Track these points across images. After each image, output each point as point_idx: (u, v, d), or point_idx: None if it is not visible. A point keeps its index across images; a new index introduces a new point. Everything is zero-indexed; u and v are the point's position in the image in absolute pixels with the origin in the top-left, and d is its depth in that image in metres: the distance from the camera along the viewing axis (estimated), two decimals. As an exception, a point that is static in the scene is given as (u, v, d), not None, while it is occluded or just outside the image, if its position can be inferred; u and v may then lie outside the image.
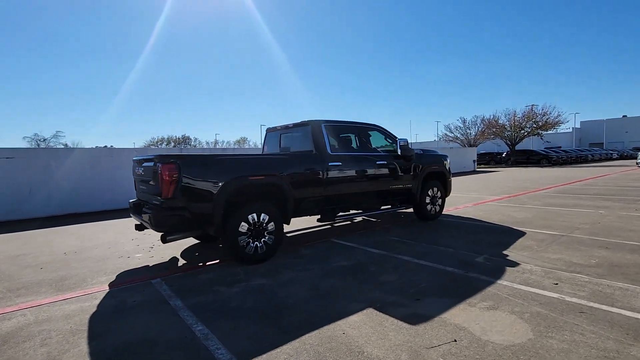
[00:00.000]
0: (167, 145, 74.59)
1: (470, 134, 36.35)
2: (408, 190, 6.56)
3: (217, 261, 4.80)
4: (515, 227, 6.10)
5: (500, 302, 3.15)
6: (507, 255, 4.51)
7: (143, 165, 4.63)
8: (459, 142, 37.06)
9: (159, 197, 4.15)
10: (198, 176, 4.18)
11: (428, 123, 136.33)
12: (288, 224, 5.06)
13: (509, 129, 33.36)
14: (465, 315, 2.92)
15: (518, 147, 33.83)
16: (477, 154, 36.93)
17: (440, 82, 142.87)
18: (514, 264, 4.16)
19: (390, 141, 6.47)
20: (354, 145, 6.09)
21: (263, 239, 4.63)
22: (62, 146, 53.19)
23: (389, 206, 6.58)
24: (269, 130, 6.58)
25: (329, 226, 6.94)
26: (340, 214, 6.11)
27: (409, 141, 6.57)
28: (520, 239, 5.30)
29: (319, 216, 5.61)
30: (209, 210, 4.23)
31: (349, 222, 7.30)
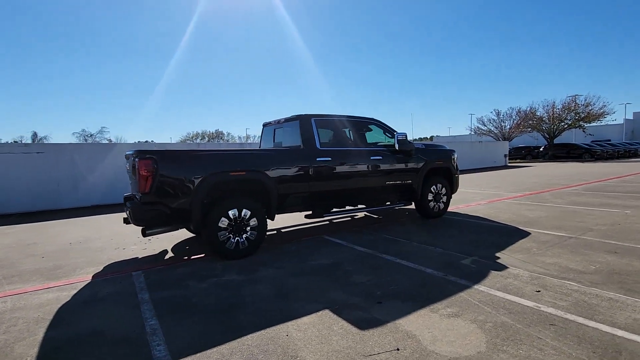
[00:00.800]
0: (201, 139, 77.11)
1: (505, 126, 34.49)
2: (408, 187, 6.30)
3: (202, 255, 4.86)
4: (521, 227, 5.69)
5: (467, 309, 2.93)
6: (499, 258, 4.21)
7: (129, 160, 4.76)
8: (492, 135, 35.30)
9: (139, 192, 4.25)
10: (175, 171, 4.23)
11: (462, 116, 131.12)
12: (272, 219, 5.02)
13: (547, 121, 31.29)
14: (422, 322, 2.74)
15: (557, 140, 31.69)
16: (513, 148, 35.11)
17: (475, 74, 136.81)
18: (502, 268, 3.86)
19: (389, 136, 6.23)
20: (347, 140, 5.91)
21: (245, 235, 4.62)
22: (107, 141, 56.33)
23: (388, 203, 6.36)
24: (264, 125, 6.55)
25: (327, 222, 6.83)
26: (335, 210, 6.00)
27: (411, 136, 6.31)
28: (521, 240, 4.93)
29: (308, 212, 5.52)
30: (187, 205, 4.27)
31: (349, 218, 7.16)
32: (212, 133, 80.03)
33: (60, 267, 4.58)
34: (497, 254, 4.36)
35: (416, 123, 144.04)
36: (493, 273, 3.72)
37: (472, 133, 39.71)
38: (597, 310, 2.80)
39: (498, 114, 34.71)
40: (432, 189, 6.58)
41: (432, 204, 6.61)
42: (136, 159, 4.10)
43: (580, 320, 2.66)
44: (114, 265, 4.62)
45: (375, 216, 7.33)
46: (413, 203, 6.64)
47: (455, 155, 7.09)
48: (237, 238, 4.56)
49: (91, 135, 60.36)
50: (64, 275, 4.28)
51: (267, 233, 6.06)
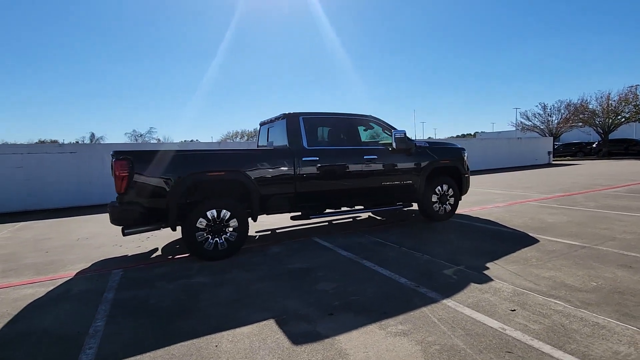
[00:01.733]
0: (240, 138, 79.34)
1: (552, 121, 31.94)
2: (409, 188, 5.93)
3: (187, 255, 4.87)
4: (532, 234, 5.13)
5: (421, 327, 2.63)
6: (487, 269, 3.79)
7: None
8: (537, 131, 32.84)
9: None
10: (151, 172, 4.25)
11: (507, 111, 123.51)
12: (255, 220, 4.92)
13: (600, 114, 28.51)
14: (363, 340, 2.49)
15: (614, 135, 28.80)
16: (561, 144, 32.46)
17: (521, 66, 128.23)
18: (485, 280, 3.47)
19: (389, 134, 5.89)
20: (339, 138, 5.66)
21: (224, 236, 4.57)
22: (155, 141, 59.53)
23: (388, 204, 6.03)
24: (261, 124, 6.47)
25: (326, 223, 6.64)
26: (330, 211, 5.79)
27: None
28: (523, 249, 4.43)
29: (294, 213, 5.37)
30: (163, 205, 4.29)
31: (350, 220, 6.90)
32: (251, 132, 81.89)
33: (54, 263, 4.80)
34: (488, 264, 3.94)
35: (458, 119, 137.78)
36: (472, 286, 3.34)
37: (518, 129, 37.16)
38: (572, 338, 2.39)
39: (544, 107, 32.21)
40: (436, 190, 6.15)
41: (436, 206, 6.18)
42: (113, 160, 4.17)
43: (546, 349, 2.28)
44: (102, 262, 4.77)
45: (378, 217, 7.01)
46: (417, 205, 6.26)
47: (466, 154, 6.57)
48: (216, 239, 4.52)
49: (141, 135, 64.06)
50: (53, 270, 4.47)
51: (261, 233, 6.03)
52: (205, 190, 4.58)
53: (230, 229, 4.59)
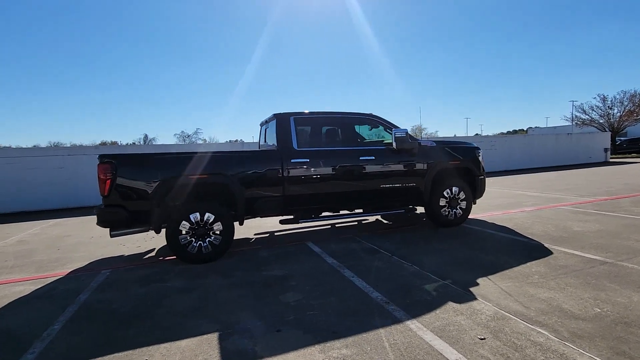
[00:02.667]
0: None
1: (613, 115, 28.77)
2: (413, 190, 5.52)
3: (175, 257, 4.89)
4: (548, 245, 4.53)
5: (365, 353, 2.34)
6: (477, 285, 3.36)
7: None
8: (595, 125, 29.77)
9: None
10: (134, 175, 4.29)
11: (563, 105, 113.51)
12: (241, 224, 4.82)
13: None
14: (295, 364, 2.26)
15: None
16: (626, 140, 29.17)
17: (577, 55, 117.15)
18: (467, 299, 3.06)
19: (390, 133, 5.52)
20: (334, 139, 5.39)
21: (208, 239, 4.51)
22: (202, 141, 62.23)
23: (389, 208, 5.65)
24: (261, 124, 6.36)
25: (329, 226, 6.40)
26: (327, 214, 5.55)
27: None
28: (530, 263, 3.90)
29: (288, 217, 5.19)
30: (146, 208, 4.32)
31: (355, 223, 6.60)
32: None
33: (59, 260, 5.05)
34: (480, 279, 3.49)
35: (508, 115, 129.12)
36: (448, 306, 2.96)
37: (575, 123, 33.94)
38: (538, 380, 1.98)
39: (604, 99, 29.10)
40: (444, 193, 5.66)
41: (445, 210, 5.69)
42: (98, 163, 4.26)
43: (499, 392, 1.90)
44: (99, 261, 4.92)
45: (385, 221, 6.64)
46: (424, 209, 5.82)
47: (481, 154, 6.00)
48: (199, 242, 4.47)
49: (188, 135, 67.44)
50: (52, 268, 4.68)
51: (259, 235, 5.93)
52: (188, 193, 4.55)
53: (215, 233, 4.52)
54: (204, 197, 4.62)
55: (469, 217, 6.12)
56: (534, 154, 18.20)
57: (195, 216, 4.44)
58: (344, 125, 5.43)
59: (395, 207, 5.62)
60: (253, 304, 3.22)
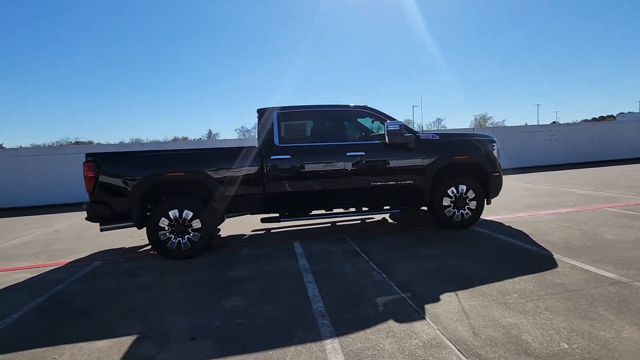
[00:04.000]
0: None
1: None
2: (411, 188, 5.04)
3: (163, 252, 5.03)
4: (558, 256, 3.81)
5: (257, 374, 2.12)
6: (436, 302, 2.92)
7: None
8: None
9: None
10: (115, 173, 4.46)
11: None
12: (220, 222, 4.79)
13: None
14: (178, 379, 2.12)
15: None
16: None
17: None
18: (412, 318, 2.66)
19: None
20: (320, 134, 5.08)
21: (187, 236, 4.56)
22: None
23: (384, 207, 5.23)
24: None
25: (329, 225, 6.14)
26: (315, 213, 5.31)
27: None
28: (520, 277, 3.30)
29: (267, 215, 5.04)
30: (127, 204, 4.47)
31: (359, 222, 6.25)
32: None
33: (69, 250, 5.49)
34: (446, 295, 3.03)
35: (595, 99, 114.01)
36: (386, 324, 2.60)
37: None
38: None
39: None
40: (449, 191, 5.08)
41: (450, 210, 5.11)
42: (84, 161, 4.50)
43: None
44: (99, 253, 5.25)
45: (391, 221, 6.19)
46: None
47: (495, 147, 5.26)
48: (178, 239, 4.54)
49: (248, 130, 70.54)
50: (59, 257, 5.10)
51: (256, 232, 5.89)
52: (166, 190, 4.62)
53: (193, 230, 4.55)
54: (183, 194, 4.67)
55: (483, 218, 5.45)
56: (606, 144, 15.80)
57: (174, 213, 4.50)
58: (331, 119, 5.10)
59: (391, 207, 5.18)
60: (194, 307, 3.15)
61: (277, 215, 5.00)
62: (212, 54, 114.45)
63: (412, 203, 5.19)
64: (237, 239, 5.55)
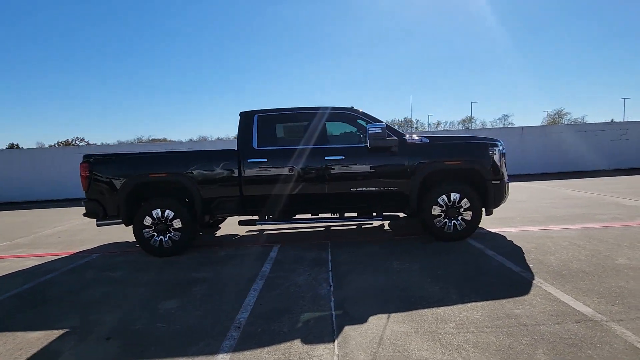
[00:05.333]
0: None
1: None
2: (394, 195, 4.72)
3: (156, 248, 5.31)
4: (540, 282, 3.29)
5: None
6: (359, 324, 2.69)
7: None
8: None
9: None
10: (105, 173, 4.80)
11: None
12: (201, 222, 4.91)
13: None
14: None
15: None
16: None
17: None
18: (317, 341, 2.48)
19: (371, 128, 4.80)
20: (300, 137, 4.95)
21: (169, 235, 4.77)
22: None
23: (366, 214, 4.98)
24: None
25: (322, 229, 6.00)
26: (300, 216, 5.23)
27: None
28: (473, 304, 2.91)
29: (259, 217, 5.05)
30: (115, 203, 4.80)
31: (354, 227, 6.02)
32: (401, 121, 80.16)
33: (84, 241, 6.06)
34: (376, 317, 2.78)
35: None
36: (290, 344, 2.45)
37: None
38: None
39: None
40: (439, 200, 4.66)
41: (440, 220, 4.69)
42: (80, 162, 4.91)
43: None
44: (106, 245, 5.72)
45: (386, 228, 5.86)
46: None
47: (497, 151, 4.70)
48: (160, 237, 4.76)
49: (302, 127, 71.78)
50: (72, 248, 5.66)
51: (250, 232, 5.97)
52: (151, 190, 4.86)
53: (174, 229, 4.75)
54: (165, 194, 4.88)
55: (488, 229, 4.94)
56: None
57: (157, 212, 4.73)
58: (313, 122, 4.94)
59: (374, 214, 4.91)
60: (134, 306, 3.27)
61: (256, 218, 5.01)
62: (285, 54, 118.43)
63: (396, 210, 4.87)
64: (227, 239, 5.67)
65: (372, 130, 4.51)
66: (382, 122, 4.69)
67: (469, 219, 4.70)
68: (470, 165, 4.67)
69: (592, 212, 6.07)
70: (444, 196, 4.66)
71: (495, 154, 4.69)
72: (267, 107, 5.01)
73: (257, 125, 4.84)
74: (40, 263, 4.87)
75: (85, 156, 4.89)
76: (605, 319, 2.54)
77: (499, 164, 4.71)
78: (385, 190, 4.71)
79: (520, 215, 6.18)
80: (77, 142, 45.63)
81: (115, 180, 4.77)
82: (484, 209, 4.76)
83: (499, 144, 4.82)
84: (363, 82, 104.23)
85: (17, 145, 45.29)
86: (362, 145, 4.70)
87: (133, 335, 2.72)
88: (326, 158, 4.69)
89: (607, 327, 2.44)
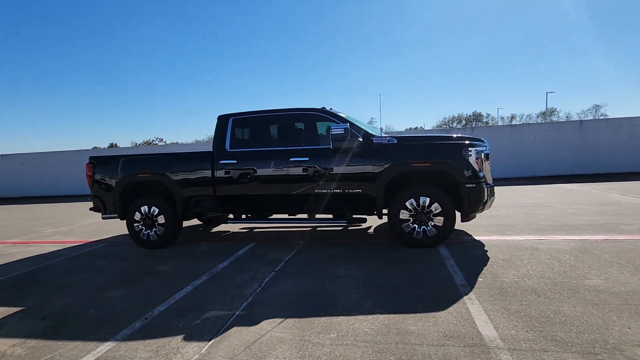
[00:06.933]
0: (457, 124, 73.95)
1: None
2: (358, 198, 4.59)
3: (153, 240, 5.83)
4: (470, 297, 2.98)
5: None
6: (252, 325, 2.73)
7: None
8: None
9: None
10: (103, 173, 5.41)
11: None
12: (181, 219, 5.26)
13: None
14: (-18, 349, 2.63)
15: None
16: None
17: None
18: (201, 338, 2.59)
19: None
20: (270, 139, 5.01)
21: (154, 229, 5.22)
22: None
23: (334, 216, 4.90)
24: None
25: (309, 229, 6.02)
26: (279, 216, 5.34)
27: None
28: (375, 316, 2.75)
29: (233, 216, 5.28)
30: (112, 199, 5.39)
31: (340, 228, 5.93)
32: (470, 116, 74.85)
33: (105, 231, 6.87)
34: (272, 320, 2.79)
35: None
36: (174, 339, 2.60)
37: None
38: None
39: None
40: (407, 204, 4.41)
41: (408, 226, 4.44)
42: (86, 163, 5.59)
43: None
44: (115, 237, 6.43)
45: (370, 231, 5.66)
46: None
47: (473, 152, 4.28)
48: (148, 231, 5.24)
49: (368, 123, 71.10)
50: (93, 236, 6.47)
51: (243, 229, 6.25)
52: (140, 189, 5.35)
53: (159, 224, 5.19)
54: (152, 193, 5.33)
55: (474, 236, 4.54)
56: None
57: (144, 208, 5.21)
58: (284, 124, 4.98)
59: (339, 216, 4.81)
60: (86, 293, 3.66)
61: (231, 216, 5.23)
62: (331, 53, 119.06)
63: (361, 213, 4.71)
64: (217, 235, 6.00)
65: (334, 131, 4.42)
66: (347, 122, 4.57)
67: (441, 225, 4.36)
68: (441, 168, 4.33)
69: (619, 222, 5.19)
70: (412, 200, 4.39)
71: (470, 155, 4.27)
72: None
73: (231, 128, 5.04)
74: (58, 249, 5.67)
75: (90, 158, 5.57)
76: (500, 346, 2.24)
77: (475, 166, 4.28)
78: (350, 193, 4.59)
79: (527, 222, 5.53)
80: (156, 141, 51.07)
81: (111, 179, 5.36)
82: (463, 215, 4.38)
83: (478, 144, 4.39)
84: (426, 76, 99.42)
85: (116, 144, 51.58)
86: (327, 146, 4.63)
87: (64, 318, 3.09)
88: (291, 160, 4.72)
89: (493, 355, 2.15)
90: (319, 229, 6.01)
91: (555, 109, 60.62)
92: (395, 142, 4.50)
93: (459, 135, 4.64)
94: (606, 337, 2.28)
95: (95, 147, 26.27)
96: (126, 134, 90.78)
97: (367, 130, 4.67)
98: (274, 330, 2.63)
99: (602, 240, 4.36)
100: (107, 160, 5.49)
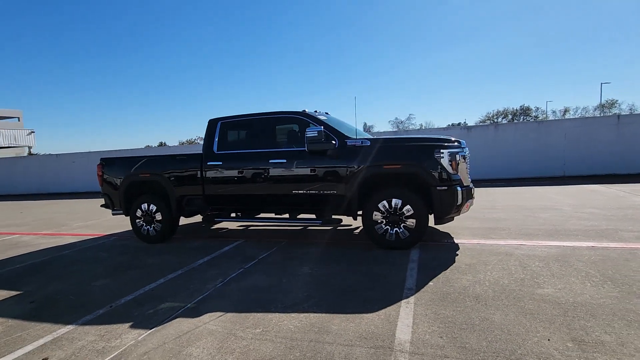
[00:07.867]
0: (502, 118, 69.96)
1: None
2: (332, 198, 4.68)
3: (157, 235, 6.31)
4: (410, 300, 2.99)
5: (-2, 335, 2.88)
6: (192, 317, 2.96)
7: None
8: None
9: None
10: (110, 173, 5.94)
11: None
12: (175, 216, 5.64)
13: None
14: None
15: None
16: None
17: None
18: (141, 326, 2.86)
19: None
20: (253, 141, 5.21)
21: (153, 225, 5.67)
22: (417, 127, 62.99)
23: (312, 214, 5.03)
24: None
25: (301, 227, 6.19)
26: (267, 216, 5.57)
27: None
28: (308, 314, 2.87)
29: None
30: (118, 197, 5.91)
31: (330, 228, 6.03)
32: (516, 110, 70.34)
33: (123, 226, 7.51)
34: (211, 315, 3.01)
35: None
36: (117, 327, 2.90)
37: None
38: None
39: None
40: (380, 205, 4.43)
41: (382, 227, 4.46)
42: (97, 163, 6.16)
43: None
44: (127, 231, 7.01)
45: (356, 232, 5.71)
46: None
47: (445, 153, 4.20)
48: (147, 227, 5.70)
49: (401, 122, 69.86)
50: (108, 230, 7.11)
51: (240, 227, 6.57)
52: (137, 187, 5.82)
53: (156, 221, 5.62)
54: (149, 191, 5.78)
55: (456, 238, 4.48)
56: None
57: (144, 206, 5.67)
58: (267, 126, 5.17)
59: (325, 215, 4.92)
60: (76, 282, 4.10)
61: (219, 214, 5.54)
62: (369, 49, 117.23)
63: (335, 213, 4.79)
64: (214, 232, 6.35)
65: (308, 134, 4.54)
66: (321, 126, 4.66)
67: (413, 227, 4.34)
68: (411, 170, 4.30)
69: (621, 228, 4.82)
70: (384, 202, 4.41)
71: (442, 157, 4.20)
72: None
73: (219, 130, 5.33)
74: (76, 241, 6.31)
75: (101, 159, 6.14)
76: (405, 350, 2.28)
77: (448, 168, 4.21)
78: (325, 194, 4.70)
79: (521, 226, 5.29)
80: (198, 140, 53.64)
81: (117, 178, 5.88)
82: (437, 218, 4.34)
83: (453, 145, 4.30)
84: (469, 70, 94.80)
85: (165, 143, 54.66)
86: (303, 149, 4.76)
87: (47, 302, 3.52)
88: (270, 161, 4.91)
89: (392, 358, 2.20)
90: (309, 228, 6.16)
91: (617, 100, 55.12)
92: (367, 144, 4.53)
93: (434, 136, 4.55)
94: (517, 347, 2.23)
95: (148, 146, 28.30)
96: (175, 132, 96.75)
97: (343, 132, 4.74)
98: (209, 323, 2.84)
99: (588, 247, 4.11)
100: (114, 161, 6.02)
